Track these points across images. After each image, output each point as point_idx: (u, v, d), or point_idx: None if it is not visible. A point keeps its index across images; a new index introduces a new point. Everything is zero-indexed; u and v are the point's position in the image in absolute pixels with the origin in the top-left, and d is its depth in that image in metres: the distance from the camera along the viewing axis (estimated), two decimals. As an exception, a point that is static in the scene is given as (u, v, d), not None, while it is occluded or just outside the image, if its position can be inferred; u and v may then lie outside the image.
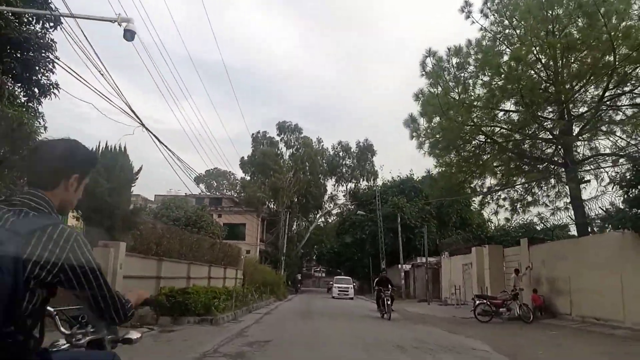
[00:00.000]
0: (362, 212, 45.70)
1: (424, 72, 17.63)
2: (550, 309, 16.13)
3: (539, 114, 17.34)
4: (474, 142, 18.88)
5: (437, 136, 18.65)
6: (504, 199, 20.15)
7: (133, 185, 12.74)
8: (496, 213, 20.24)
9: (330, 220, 65.61)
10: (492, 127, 18.31)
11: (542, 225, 22.07)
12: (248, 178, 51.83)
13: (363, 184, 56.75)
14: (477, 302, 15.87)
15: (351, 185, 56.32)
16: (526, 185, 19.12)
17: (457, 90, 17.29)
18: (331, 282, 47.09)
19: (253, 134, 52.41)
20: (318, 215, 57.36)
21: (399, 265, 42.40)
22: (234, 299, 15.82)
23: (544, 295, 16.40)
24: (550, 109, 17.60)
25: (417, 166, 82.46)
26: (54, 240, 1.39)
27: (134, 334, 2.10)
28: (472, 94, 17.67)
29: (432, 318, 17.37)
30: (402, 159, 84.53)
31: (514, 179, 19.16)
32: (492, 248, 21.77)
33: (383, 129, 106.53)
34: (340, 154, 56.05)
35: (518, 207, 19.57)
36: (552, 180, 19.40)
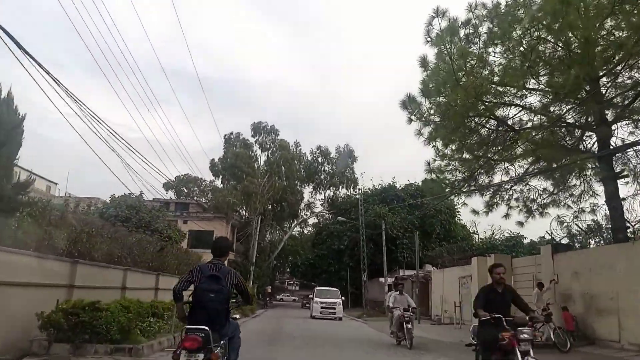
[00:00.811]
0: (342, 219, 42.07)
1: (429, 39, 14.29)
2: (585, 333, 12.76)
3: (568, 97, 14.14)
4: (486, 127, 15.57)
5: (440, 119, 15.31)
6: (516, 199, 16.86)
7: (17, 157, 8.60)
8: (507, 216, 16.89)
9: (306, 231, 61.84)
10: (509, 110, 15.07)
11: (549, 234, 18.75)
12: (219, 182, 47.77)
13: (342, 191, 53.29)
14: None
15: (330, 192, 52.76)
16: (547, 181, 15.86)
17: (470, 62, 13.95)
18: (309, 295, 43.19)
19: (225, 135, 48.48)
20: (293, 224, 53.44)
21: (381, 279, 38.87)
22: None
23: (576, 315, 13.03)
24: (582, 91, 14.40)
25: (399, 176, 79.44)
26: (234, 274, 5.10)
27: None
28: (488, 67, 14.37)
29: (438, 344, 13.82)
30: (383, 169, 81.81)
31: (532, 171, 15.85)
32: (499, 258, 18.40)
33: (361, 141, 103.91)
34: (319, 159, 52.49)
35: (534, 208, 16.27)
36: (574, 178, 16.20)
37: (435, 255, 29.23)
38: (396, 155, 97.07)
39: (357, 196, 51.28)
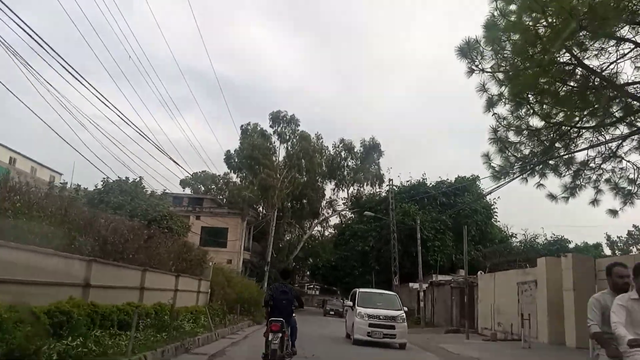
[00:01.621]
0: (370, 213, 38.12)
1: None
2: None
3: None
4: (568, 82, 11.59)
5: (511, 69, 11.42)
6: (607, 181, 12.81)
7: None
8: (595, 202, 12.84)
9: (327, 233, 58.04)
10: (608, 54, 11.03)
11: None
12: (234, 176, 44.44)
13: (367, 188, 49.39)
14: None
15: (353, 189, 48.89)
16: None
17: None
18: (327, 300, 39.17)
19: (242, 126, 45.07)
20: (314, 223, 49.72)
21: (412, 284, 34.83)
22: (137, 328, 8.32)
23: None
24: None
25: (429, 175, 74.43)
26: (294, 290, 9.16)
27: None
28: None
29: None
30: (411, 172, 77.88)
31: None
32: (578, 259, 14.34)
33: (388, 147, 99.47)
34: (342, 153, 48.76)
35: (637, 191, 12.18)
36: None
37: (482, 256, 25.06)
38: (427, 159, 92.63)
39: (384, 193, 47.40)
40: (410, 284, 34.94)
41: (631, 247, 54.47)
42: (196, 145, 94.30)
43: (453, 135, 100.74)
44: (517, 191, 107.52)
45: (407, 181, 46.86)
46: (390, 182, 39.25)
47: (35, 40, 8.96)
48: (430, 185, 45.37)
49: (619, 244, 57.81)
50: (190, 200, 44.70)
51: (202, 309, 17.56)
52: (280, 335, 7.86)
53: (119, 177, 20.65)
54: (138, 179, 21.67)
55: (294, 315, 8.71)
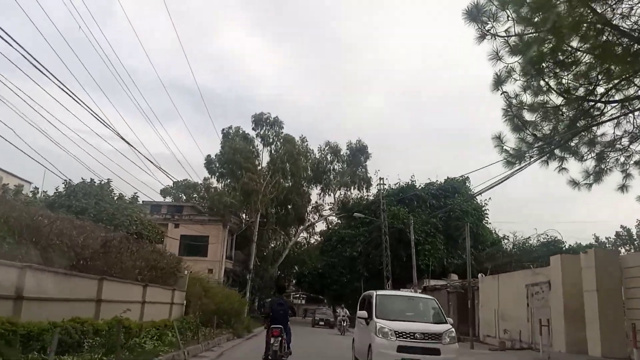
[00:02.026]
0: (360, 215, 36.38)
1: None
2: None
3: None
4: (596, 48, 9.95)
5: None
6: (637, 164, 11.19)
7: None
8: (623, 188, 11.20)
9: (313, 240, 56.00)
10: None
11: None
12: (215, 181, 42.19)
13: (354, 192, 47.58)
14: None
15: (340, 193, 47.06)
16: None
17: None
18: (324, 309, 37.34)
19: (224, 130, 42.83)
20: (300, 230, 47.67)
21: (405, 290, 32.99)
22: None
23: None
24: None
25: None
26: (288, 303, 11.29)
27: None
28: None
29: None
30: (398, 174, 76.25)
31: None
32: (601, 255, 12.66)
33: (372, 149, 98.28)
34: (328, 156, 46.93)
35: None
36: None
37: (483, 259, 23.40)
38: (413, 163, 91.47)
39: (372, 197, 45.70)
40: (402, 290, 33.13)
41: (620, 248, 53.68)
42: (178, 155, 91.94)
43: (439, 138, 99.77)
44: (503, 193, 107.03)
45: (395, 184, 45.30)
46: (381, 181, 37.36)
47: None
48: (419, 188, 43.82)
49: (607, 245, 57.09)
50: (169, 208, 42.37)
51: (172, 323, 15.48)
52: (279, 339, 9.72)
53: (83, 179, 18.45)
54: (105, 180, 19.50)
55: (289, 322, 10.43)
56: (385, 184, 44.53)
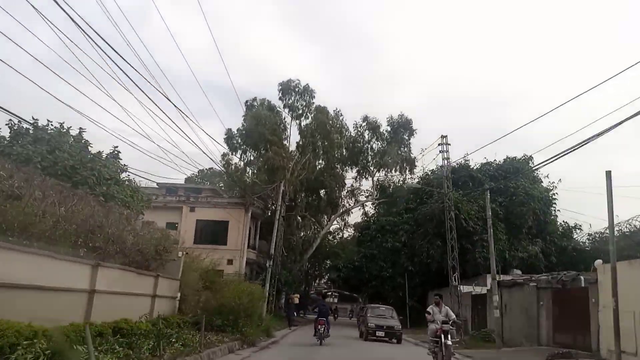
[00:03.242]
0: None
1: None
2: None
3: None
4: None
5: None
6: None
7: None
8: None
9: (347, 233, 50.12)
10: None
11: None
12: (236, 158, 36.69)
13: (395, 175, 41.51)
14: None
15: (381, 175, 41.08)
16: None
17: None
18: (381, 308, 25.32)
19: (247, 102, 37.45)
20: (333, 217, 41.83)
21: (462, 288, 26.78)
22: None
23: None
24: None
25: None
26: (327, 304, 20.38)
27: None
28: None
29: None
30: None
31: None
32: None
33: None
34: (365, 134, 40.94)
35: None
36: None
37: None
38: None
39: (416, 180, 39.50)
40: (461, 287, 26.99)
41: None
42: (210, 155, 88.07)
43: (477, 138, 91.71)
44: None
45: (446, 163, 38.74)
46: (443, 140, 29.77)
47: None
48: (474, 168, 37.28)
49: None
50: (186, 191, 37.37)
51: (146, 325, 10.05)
52: (324, 327, 16.71)
53: (34, 119, 13.21)
54: (59, 124, 14.04)
55: (329, 317, 17.91)
56: (430, 170, 38.48)
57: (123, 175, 15.53)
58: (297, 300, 28.89)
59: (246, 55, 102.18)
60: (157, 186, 39.85)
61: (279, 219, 27.46)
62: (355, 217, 47.78)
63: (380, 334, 21.14)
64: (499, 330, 17.17)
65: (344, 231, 49.51)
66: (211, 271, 16.40)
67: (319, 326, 16.52)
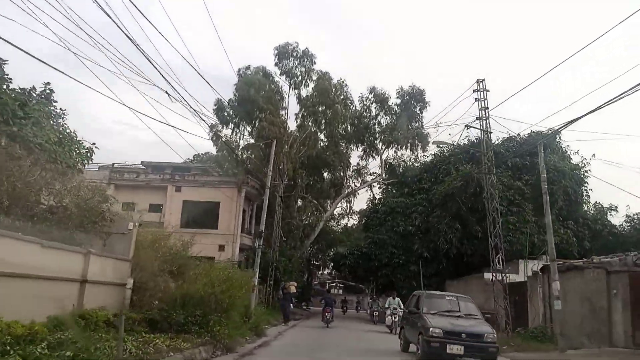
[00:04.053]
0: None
1: None
2: None
3: None
4: None
5: None
6: None
7: None
8: None
9: (351, 222, 46.14)
10: None
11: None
12: (228, 132, 32.51)
13: (406, 153, 37.44)
14: None
15: (390, 152, 37.04)
16: None
17: None
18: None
19: (240, 70, 33.22)
20: (337, 199, 37.77)
21: (487, 276, 22.89)
22: None
23: None
24: None
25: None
26: (332, 295, 29.33)
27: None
28: None
29: None
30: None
31: None
32: None
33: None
34: (372, 108, 36.79)
35: None
36: None
37: None
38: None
39: (429, 158, 35.51)
40: (486, 275, 23.06)
41: None
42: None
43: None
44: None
45: (466, 137, 34.41)
46: (479, 85, 24.45)
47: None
48: (497, 143, 33.12)
49: None
50: (174, 169, 33.39)
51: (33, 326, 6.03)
52: (330, 314, 21.75)
53: None
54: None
55: (333, 307, 22.84)
56: (445, 143, 34.31)
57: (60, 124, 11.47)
58: (293, 289, 24.82)
59: (242, 38, 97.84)
60: (142, 165, 36.09)
61: (270, 186, 23.39)
62: (361, 203, 43.88)
63: (456, 348, 10.61)
64: (560, 327, 13.12)
65: (349, 218, 45.52)
66: (179, 252, 12.35)
67: (326, 314, 21.86)
